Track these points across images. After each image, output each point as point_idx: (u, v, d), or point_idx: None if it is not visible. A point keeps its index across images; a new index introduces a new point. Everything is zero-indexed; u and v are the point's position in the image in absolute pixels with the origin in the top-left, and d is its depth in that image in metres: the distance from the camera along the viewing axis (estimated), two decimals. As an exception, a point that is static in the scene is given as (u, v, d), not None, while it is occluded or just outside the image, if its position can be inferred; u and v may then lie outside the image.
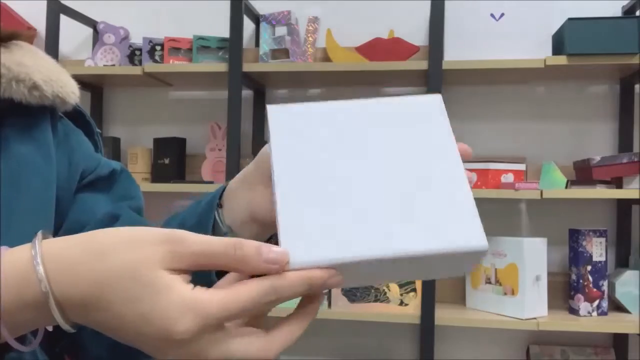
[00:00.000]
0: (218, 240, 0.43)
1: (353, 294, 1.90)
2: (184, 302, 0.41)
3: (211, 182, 2.06)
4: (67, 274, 0.42)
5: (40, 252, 0.42)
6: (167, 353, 0.42)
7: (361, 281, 0.47)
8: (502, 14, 1.92)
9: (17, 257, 0.43)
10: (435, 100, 0.50)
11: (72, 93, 0.61)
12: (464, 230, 0.44)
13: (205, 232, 0.59)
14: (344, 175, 0.46)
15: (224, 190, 0.63)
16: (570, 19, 1.79)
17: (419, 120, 0.49)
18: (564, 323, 1.80)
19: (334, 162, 0.47)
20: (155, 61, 2.14)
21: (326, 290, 1.82)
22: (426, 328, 1.82)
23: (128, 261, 0.42)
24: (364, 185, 0.46)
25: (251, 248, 0.42)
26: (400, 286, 1.88)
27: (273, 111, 0.51)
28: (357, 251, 0.42)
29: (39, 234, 0.44)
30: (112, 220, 0.64)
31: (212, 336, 0.42)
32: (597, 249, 1.86)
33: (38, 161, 0.58)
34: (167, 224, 0.66)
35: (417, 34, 2.13)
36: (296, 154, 0.48)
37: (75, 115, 0.65)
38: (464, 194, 0.46)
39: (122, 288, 0.41)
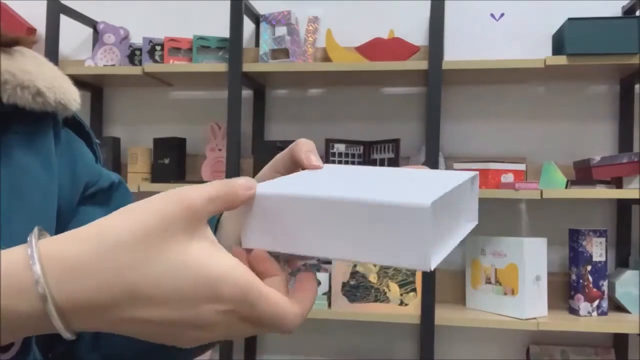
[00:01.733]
0: (213, 184, 0.43)
1: (353, 294, 1.90)
2: (231, 264, 0.40)
3: (211, 182, 2.06)
4: (72, 274, 0.38)
5: (37, 250, 0.38)
6: (207, 318, 0.40)
7: (307, 240, 0.45)
8: (502, 14, 1.92)
9: (9, 258, 0.38)
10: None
11: (74, 100, 0.61)
12: (414, 196, 0.42)
13: None
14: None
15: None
16: (570, 19, 1.79)
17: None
18: (564, 323, 1.80)
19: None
20: (155, 61, 2.14)
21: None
22: (426, 328, 1.82)
23: (151, 246, 0.39)
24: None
25: (239, 179, 0.44)
26: (400, 286, 1.88)
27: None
28: (312, 191, 0.44)
29: (35, 230, 0.40)
30: None
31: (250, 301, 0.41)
32: (597, 249, 1.86)
33: (39, 173, 0.58)
34: None
35: (417, 34, 2.13)
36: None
37: (74, 124, 0.65)
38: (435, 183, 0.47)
39: (158, 275, 0.39)
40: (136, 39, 2.24)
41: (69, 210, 0.62)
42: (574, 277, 1.89)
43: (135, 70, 2.04)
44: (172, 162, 2.14)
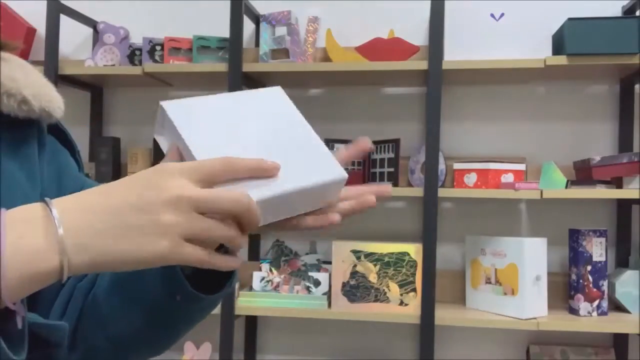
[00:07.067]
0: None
1: (353, 294, 1.90)
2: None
3: (211, 182, 2.06)
4: (77, 209, 0.48)
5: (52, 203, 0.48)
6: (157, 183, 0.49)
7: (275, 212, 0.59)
8: (502, 14, 1.92)
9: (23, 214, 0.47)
10: (277, 92, 0.68)
11: (59, 108, 0.63)
12: (327, 168, 0.61)
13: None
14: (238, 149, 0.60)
15: None
16: (570, 19, 1.79)
17: (273, 106, 0.66)
18: (564, 323, 1.80)
19: (228, 141, 0.59)
20: (155, 61, 2.14)
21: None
22: (426, 328, 1.82)
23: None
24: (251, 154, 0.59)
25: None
26: (400, 286, 1.88)
27: (169, 106, 0.60)
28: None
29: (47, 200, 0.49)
30: None
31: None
32: (597, 249, 1.86)
33: (22, 180, 0.59)
34: None
35: (417, 34, 2.13)
36: (201, 135, 0.59)
37: (57, 132, 0.66)
38: (316, 144, 0.63)
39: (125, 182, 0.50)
40: (136, 39, 2.24)
41: None
42: (574, 277, 1.89)
43: (135, 70, 2.04)
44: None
